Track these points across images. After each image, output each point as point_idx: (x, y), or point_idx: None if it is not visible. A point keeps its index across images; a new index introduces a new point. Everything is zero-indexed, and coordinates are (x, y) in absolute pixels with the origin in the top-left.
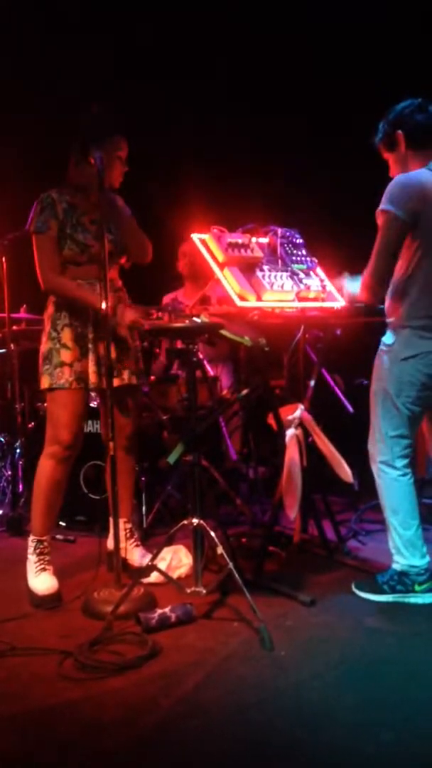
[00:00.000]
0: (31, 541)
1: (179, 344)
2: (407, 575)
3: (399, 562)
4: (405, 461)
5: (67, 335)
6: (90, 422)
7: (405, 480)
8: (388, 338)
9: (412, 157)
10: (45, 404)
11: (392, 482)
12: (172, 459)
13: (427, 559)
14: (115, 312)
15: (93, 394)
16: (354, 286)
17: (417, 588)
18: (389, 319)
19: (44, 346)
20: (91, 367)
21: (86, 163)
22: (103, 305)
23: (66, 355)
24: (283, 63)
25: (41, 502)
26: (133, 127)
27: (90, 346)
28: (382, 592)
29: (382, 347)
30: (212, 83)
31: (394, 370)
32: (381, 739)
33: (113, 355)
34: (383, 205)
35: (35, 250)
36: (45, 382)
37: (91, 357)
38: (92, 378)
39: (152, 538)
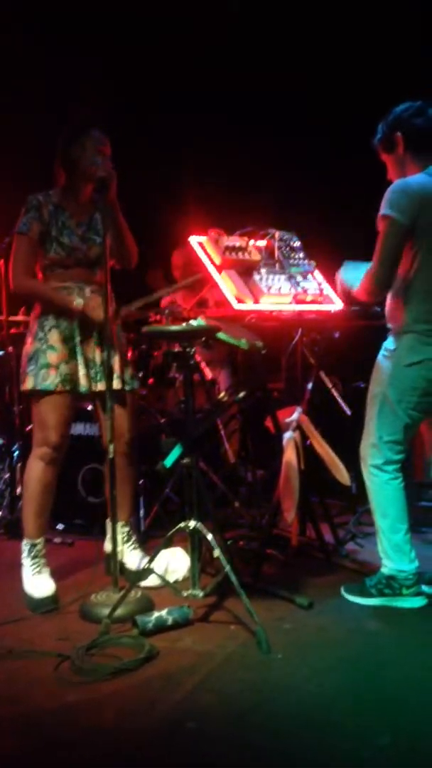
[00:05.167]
0: (25, 545)
1: (177, 347)
2: (395, 579)
3: (387, 566)
4: (396, 466)
5: (54, 337)
6: (88, 425)
7: (395, 484)
8: (390, 343)
9: (411, 160)
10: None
11: (383, 486)
12: (168, 462)
13: (416, 563)
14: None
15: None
16: (350, 275)
17: (405, 591)
18: (391, 325)
19: (29, 346)
20: (81, 371)
21: (71, 164)
22: (79, 302)
23: (52, 357)
24: (281, 68)
25: (32, 504)
26: (132, 130)
27: (78, 348)
28: (370, 595)
29: (383, 352)
30: (213, 90)
31: (396, 376)
32: (378, 743)
33: (98, 359)
34: (383, 210)
35: (12, 250)
36: (29, 384)
37: (80, 360)
38: (82, 381)
39: (150, 540)
